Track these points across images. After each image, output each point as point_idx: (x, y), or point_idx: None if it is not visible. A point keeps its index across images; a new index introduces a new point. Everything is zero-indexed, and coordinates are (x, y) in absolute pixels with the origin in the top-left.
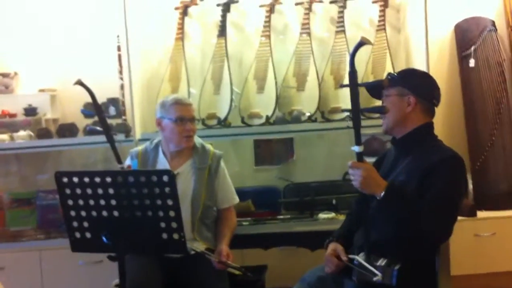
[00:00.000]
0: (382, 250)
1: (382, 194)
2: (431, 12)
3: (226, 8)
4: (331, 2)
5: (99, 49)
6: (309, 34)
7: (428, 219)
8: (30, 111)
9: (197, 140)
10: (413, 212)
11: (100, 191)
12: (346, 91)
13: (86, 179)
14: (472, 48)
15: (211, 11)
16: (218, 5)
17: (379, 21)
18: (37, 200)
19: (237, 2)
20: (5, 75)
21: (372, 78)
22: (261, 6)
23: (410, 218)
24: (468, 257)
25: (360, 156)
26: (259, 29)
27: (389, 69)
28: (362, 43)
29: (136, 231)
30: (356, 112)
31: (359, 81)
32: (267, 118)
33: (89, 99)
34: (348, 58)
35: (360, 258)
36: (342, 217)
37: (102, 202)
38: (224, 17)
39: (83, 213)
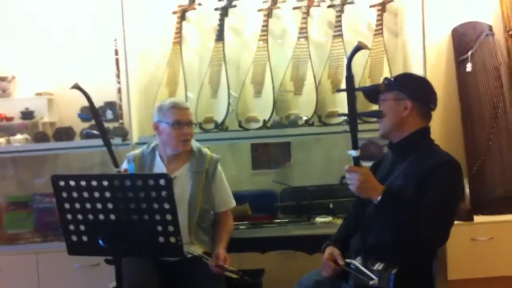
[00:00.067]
0: (379, 254)
1: (379, 198)
2: (429, 16)
3: (224, 13)
4: (328, 7)
5: (96, 53)
6: (306, 38)
7: (425, 223)
8: (27, 114)
9: (194, 144)
10: (410, 216)
11: (96, 194)
12: (343, 95)
13: (83, 183)
14: (469, 52)
15: (209, 16)
16: (216, 9)
17: (377, 25)
18: (34, 203)
19: (235, 6)
20: (2, 79)
21: (369, 82)
22: (259, 10)
23: (407, 222)
24: (465, 261)
25: (357, 160)
26: (257, 33)
27: (386, 73)
28: (359, 47)
29: (133, 234)
30: (353, 117)
31: (356, 85)
32: (264, 122)
33: (86, 103)
34: (345, 62)
35: (357, 262)
36: (339, 221)
37: (99, 205)
38: (222, 21)
39: (80, 217)
